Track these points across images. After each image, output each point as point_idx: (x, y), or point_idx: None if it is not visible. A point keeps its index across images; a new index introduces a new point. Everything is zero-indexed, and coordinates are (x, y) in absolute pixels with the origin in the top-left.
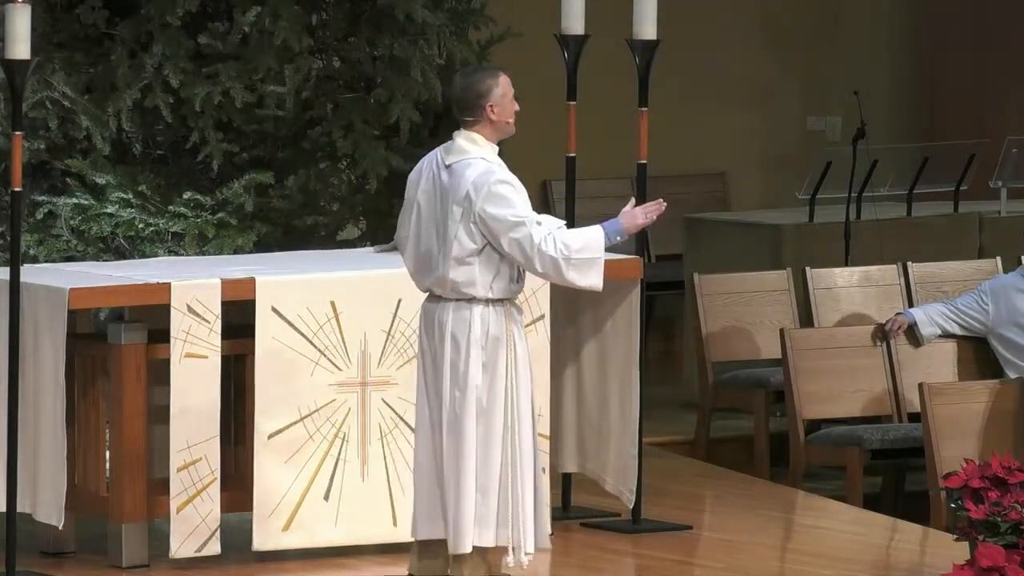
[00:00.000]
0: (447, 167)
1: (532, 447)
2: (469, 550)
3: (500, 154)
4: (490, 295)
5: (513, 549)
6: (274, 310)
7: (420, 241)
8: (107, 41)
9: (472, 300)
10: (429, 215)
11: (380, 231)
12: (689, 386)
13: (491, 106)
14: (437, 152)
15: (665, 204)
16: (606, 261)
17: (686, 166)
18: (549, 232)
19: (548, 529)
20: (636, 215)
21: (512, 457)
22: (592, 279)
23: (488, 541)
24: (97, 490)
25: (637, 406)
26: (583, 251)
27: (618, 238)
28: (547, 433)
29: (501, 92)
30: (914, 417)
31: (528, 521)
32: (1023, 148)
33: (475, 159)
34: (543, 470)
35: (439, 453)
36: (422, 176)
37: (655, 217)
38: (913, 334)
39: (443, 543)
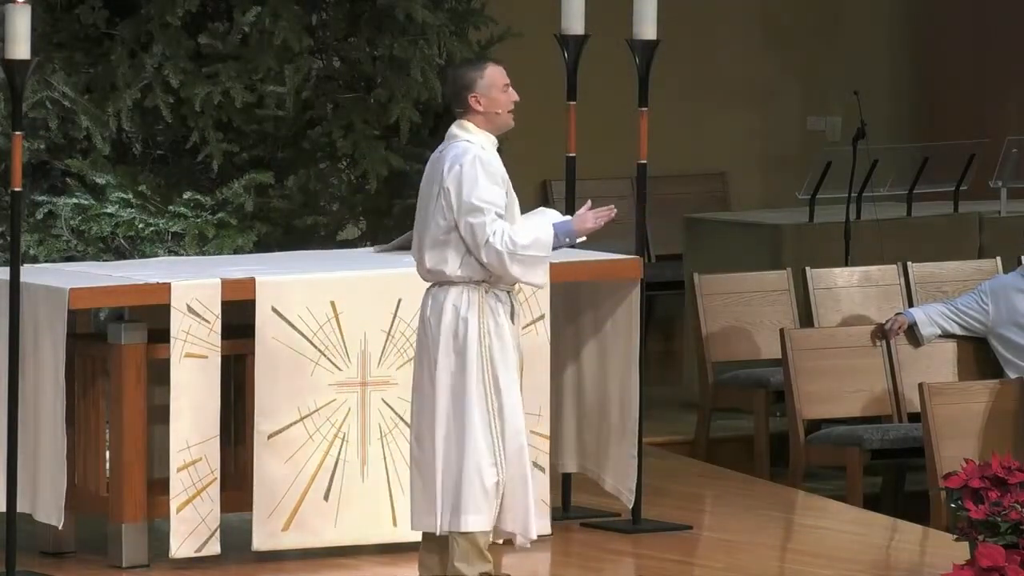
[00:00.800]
0: (440, 153)
1: (517, 434)
2: (436, 532)
3: (500, 152)
4: (460, 274)
5: (515, 536)
6: (274, 310)
7: (417, 230)
8: (107, 41)
9: (447, 284)
10: (422, 203)
11: (380, 231)
12: (689, 386)
13: (475, 96)
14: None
15: (615, 211)
16: (605, 261)
17: (686, 166)
18: (502, 227)
19: (534, 522)
20: (587, 218)
21: (493, 444)
22: (536, 277)
23: (464, 526)
24: (97, 490)
25: (637, 406)
26: (530, 248)
27: (567, 240)
28: (547, 433)
29: (487, 83)
30: (914, 417)
31: (519, 509)
32: (1023, 148)
33: (459, 142)
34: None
35: (417, 440)
36: (426, 170)
37: (603, 223)
38: (913, 334)
39: (438, 538)
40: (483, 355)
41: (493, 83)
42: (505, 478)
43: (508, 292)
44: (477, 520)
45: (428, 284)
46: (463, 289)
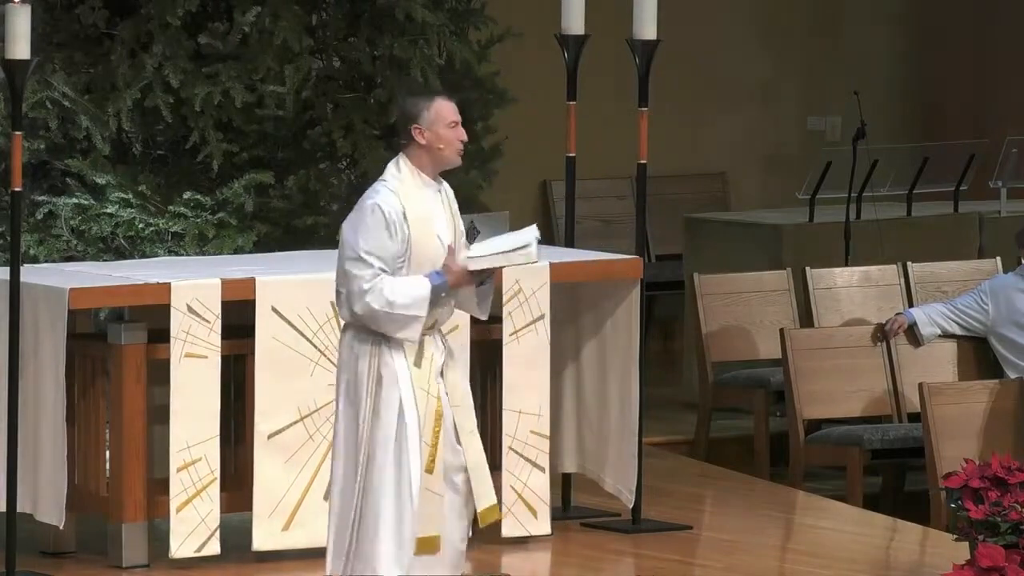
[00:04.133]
0: None
1: (390, 485)
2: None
3: (496, 154)
4: (352, 320)
5: None
6: (274, 310)
7: None
8: (107, 41)
9: (346, 324)
10: None
11: None
12: (689, 386)
13: (419, 129)
14: None
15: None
16: (605, 261)
17: (686, 166)
18: (381, 283)
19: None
20: (453, 269)
21: (354, 492)
22: (410, 334)
23: (334, 571)
24: (97, 490)
25: (637, 406)
26: (409, 307)
27: (443, 294)
28: (547, 433)
29: (432, 116)
30: (914, 417)
31: (368, 557)
32: (1023, 148)
33: (380, 180)
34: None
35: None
36: None
37: (467, 270)
38: (913, 334)
39: None
40: (367, 401)
41: (439, 117)
42: (360, 526)
43: (429, 334)
44: (334, 565)
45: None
46: (355, 332)
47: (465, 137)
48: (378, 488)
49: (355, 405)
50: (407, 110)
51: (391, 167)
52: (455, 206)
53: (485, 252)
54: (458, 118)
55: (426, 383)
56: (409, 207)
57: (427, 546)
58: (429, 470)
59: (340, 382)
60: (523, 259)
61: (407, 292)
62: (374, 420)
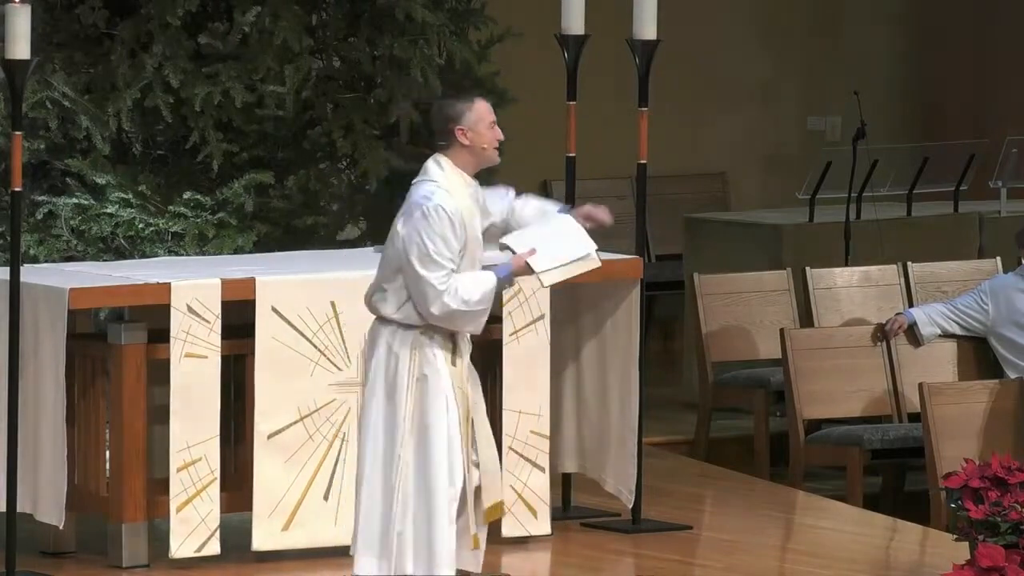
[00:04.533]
0: (413, 186)
1: (424, 483)
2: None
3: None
4: (396, 318)
5: None
6: (274, 310)
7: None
8: (107, 41)
9: (382, 319)
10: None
11: (380, 231)
12: (689, 386)
13: (461, 129)
14: None
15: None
16: (605, 261)
17: (686, 166)
18: (455, 283)
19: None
20: (521, 269)
21: (393, 487)
22: (477, 328)
23: (364, 569)
24: (97, 490)
25: (637, 406)
26: (480, 304)
27: (507, 284)
28: (547, 433)
29: (475, 116)
30: (914, 417)
31: (408, 559)
32: (1023, 148)
33: (428, 181)
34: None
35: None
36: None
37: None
38: (913, 334)
39: None
40: (408, 398)
41: (481, 117)
42: (400, 526)
43: (447, 336)
44: (366, 563)
45: (371, 315)
46: (395, 330)
47: (502, 136)
48: (432, 483)
49: (395, 403)
50: (447, 112)
51: (433, 167)
52: (483, 201)
53: (553, 263)
54: (495, 118)
55: (461, 381)
56: (462, 209)
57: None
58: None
59: (376, 379)
60: (587, 267)
61: (478, 288)
62: (421, 417)
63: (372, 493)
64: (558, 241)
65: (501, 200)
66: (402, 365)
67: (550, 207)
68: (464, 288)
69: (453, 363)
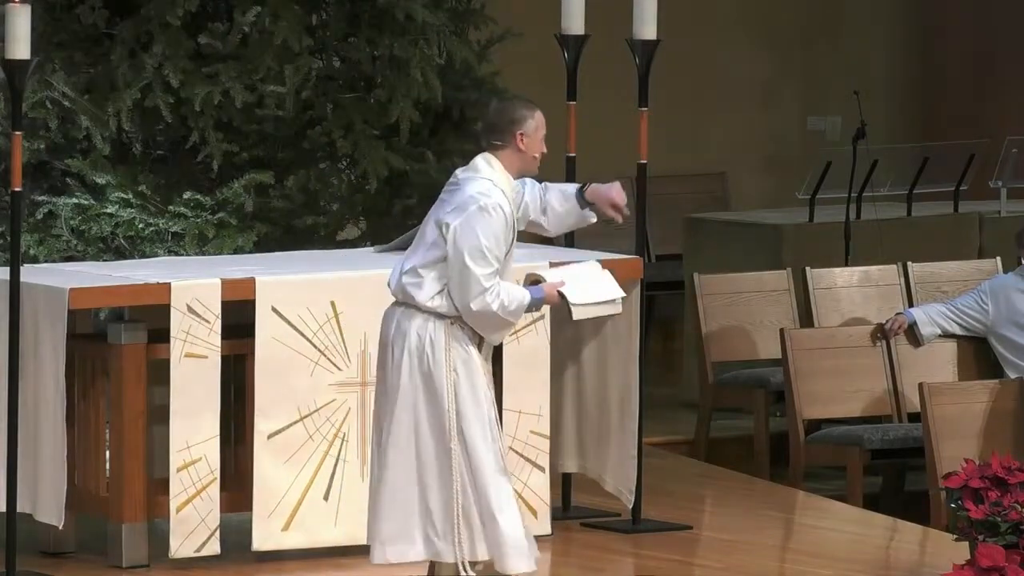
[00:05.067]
0: (457, 179)
1: (472, 464)
2: (375, 561)
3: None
4: (429, 306)
5: (462, 565)
6: (274, 310)
7: (415, 240)
8: (107, 41)
9: (412, 309)
10: (428, 217)
11: (380, 231)
12: (689, 386)
13: (522, 135)
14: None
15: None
16: (606, 261)
17: (686, 166)
18: (500, 285)
19: (518, 556)
20: (553, 297)
21: (449, 473)
22: (499, 336)
23: (409, 556)
24: (97, 490)
25: (637, 406)
26: (513, 315)
27: (534, 308)
28: (547, 433)
29: (536, 124)
30: (914, 417)
31: (466, 540)
32: (1023, 148)
33: (482, 178)
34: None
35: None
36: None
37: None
38: (913, 334)
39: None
40: (449, 388)
41: (540, 126)
42: (457, 508)
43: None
44: (406, 551)
45: (392, 303)
46: (427, 318)
47: (546, 150)
48: (488, 476)
49: (436, 395)
50: (513, 114)
51: (484, 165)
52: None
53: (584, 299)
54: None
55: (489, 371)
56: (509, 215)
57: None
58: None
59: (411, 370)
60: (612, 311)
61: (515, 298)
62: (464, 411)
63: (427, 484)
64: (592, 282)
65: (534, 188)
66: (439, 355)
67: (570, 189)
68: (506, 293)
69: (486, 358)
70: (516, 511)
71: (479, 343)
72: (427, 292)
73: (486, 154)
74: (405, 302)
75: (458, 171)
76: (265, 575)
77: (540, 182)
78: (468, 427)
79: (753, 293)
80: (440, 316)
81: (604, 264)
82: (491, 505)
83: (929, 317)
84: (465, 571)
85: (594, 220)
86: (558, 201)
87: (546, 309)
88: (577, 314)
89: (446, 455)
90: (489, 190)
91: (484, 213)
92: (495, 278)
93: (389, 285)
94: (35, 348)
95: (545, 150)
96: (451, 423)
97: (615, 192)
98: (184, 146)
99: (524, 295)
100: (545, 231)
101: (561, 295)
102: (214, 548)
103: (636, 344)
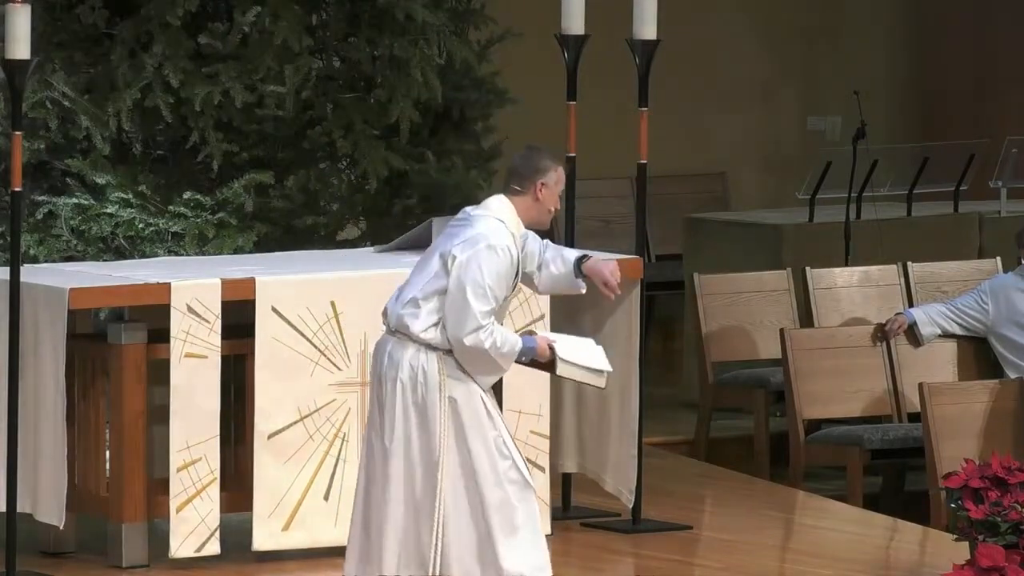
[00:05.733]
0: (468, 216)
1: (478, 501)
2: None
3: (496, 154)
4: (423, 338)
5: None
6: (274, 310)
7: (414, 269)
8: (107, 41)
9: (404, 339)
10: (431, 249)
11: (380, 231)
12: (689, 386)
13: (543, 185)
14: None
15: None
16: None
17: (686, 166)
18: (497, 325)
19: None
20: (544, 350)
21: (425, 503)
22: (488, 380)
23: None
24: (97, 490)
25: (637, 406)
26: (504, 358)
27: (523, 359)
28: (547, 433)
29: (556, 178)
30: (914, 417)
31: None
32: (1023, 148)
33: (495, 218)
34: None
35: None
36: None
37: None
38: (913, 334)
39: None
40: (442, 419)
41: (559, 181)
42: (430, 541)
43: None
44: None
45: (384, 333)
46: (419, 349)
47: (559, 207)
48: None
49: (429, 429)
50: (538, 163)
51: (498, 207)
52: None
53: (574, 359)
54: None
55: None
56: (515, 262)
57: None
58: None
59: (405, 401)
60: (596, 382)
61: (509, 343)
62: (466, 434)
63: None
64: (584, 350)
65: (535, 243)
66: (432, 385)
67: (570, 255)
68: (501, 335)
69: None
70: (533, 534)
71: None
72: (422, 323)
73: (501, 196)
74: (398, 330)
75: (469, 208)
76: (265, 575)
77: (543, 238)
78: (472, 456)
79: (753, 293)
80: (432, 348)
81: None
82: (494, 534)
83: (929, 317)
84: None
85: (583, 291)
86: (555, 264)
87: (545, 306)
88: (561, 370)
89: (433, 490)
90: (499, 230)
91: (492, 252)
92: (491, 317)
93: (384, 313)
94: (35, 348)
95: (559, 206)
96: (441, 457)
97: (609, 272)
98: (184, 146)
99: (517, 341)
100: (534, 288)
101: (551, 349)
102: (214, 548)
103: (636, 344)
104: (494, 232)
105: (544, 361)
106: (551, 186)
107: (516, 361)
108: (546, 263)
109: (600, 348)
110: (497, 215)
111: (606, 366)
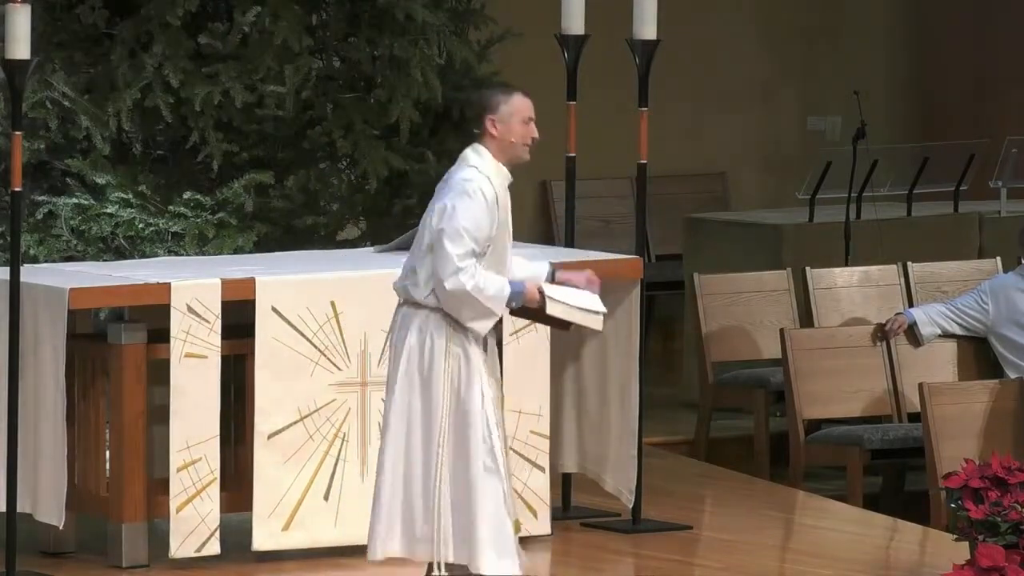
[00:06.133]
0: (448, 172)
1: (482, 470)
2: (371, 558)
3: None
4: (428, 301)
5: (437, 565)
6: (274, 310)
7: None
8: (107, 41)
9: (413, 306)
10: (423, 219)
11: (380, 231)
12: (689, 386)
13: (492, 120)
14: None
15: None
16: (605, 261)
17: (686, 166)
18: (476, 266)
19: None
20: (534, 292)
21: (432, 470)
22: (481, 325)
23: (387, 552)
24: (97, 490)
25: (637, 406)
26: (491, 300)
27: (513, 303)
28: (547, 433)
29: (509, 110)
30: (914, 417)
31: (446, 538)
32: (1023, 148)
33: (468, 166)
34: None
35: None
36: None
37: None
38: (913, 334)
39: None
40: (446, 386)
41: (515, 111)
42: (439, 507)
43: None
44: (385, 546)
45: (398, 302)
46: (428, 315)
47: (536, 135)
48: (475, 474)
49: (431, 391)
50: (483, 100)
51: (471, 155)
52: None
53: (565, 299)
54: (533, 115)
55: (492, 369)
56: (498, 196)
57: (517, 528)
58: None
59: (410, 366)
60: (591, 323)
61: (494, 285)
62: (458, 408)
63: (412, 481)
64: (578, 295)
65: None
66: (437, 350)
67: (541, 270)
68: (484, 277)
69: (486, 349)
70: (501, 513)
71: (484, 342)
72: (423, 290)
73: (475, 144)
74: (407, 301)
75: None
76: (265, 575)
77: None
78: (464, 425)
79: (753, 293)
80: (440, 311)
81: (604, 264)
82: (473, 504)
83: (929, 317)
84: (439, 571)
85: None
86: (519, 268)
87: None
88: (551, 308)
89: (433, 455)
90: (471, 176)
91: (464, 196)
92: (471, 259)
93: (394, 286)
94: (35, 348)
95: (533, 135)
96: (443, 423)
97: (582, 278)
98: (184, 146)
99: (505, 284)
100: None
101: (541, 293)
102: (214, 548)
103: (636, 344)
104: (466, 178)
105: (535, 308)
106: (504, 119)
107: (513, 312)
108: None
109: (596, 296)
110: (471, 162)
111: (600, 307)
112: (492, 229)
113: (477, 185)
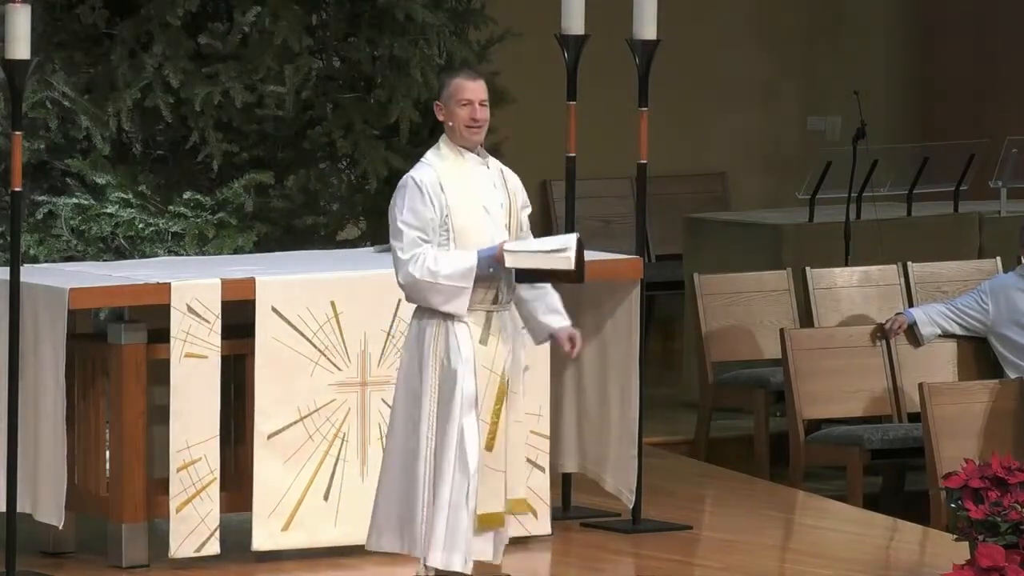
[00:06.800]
0: None
1: (451, 464)
2: (369, 548)
3: (496, 154)
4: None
5: (423, 561)
6: (274, 310)
7: None
8: (107, 41)
9: (416, 307)
10: None
11: (380, 231)
12: (689, 386)
13: (439, 105)
14: None
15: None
16: (605, 261)
17: (686, 166)
18: (424, 253)
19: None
20: (501, 252)
21: (418, 472)
22: (455, 306)
23: (382, 547)
24: (97, 490)
25: (637, 406)
26: (450, 279)
27: (490, 268)
28: (547, 433)
29: (448, 93)
30: (914, 417)
31: (420, 533)
32: (1023, 148)
33: (422, 160)
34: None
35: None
36: None
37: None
38: (913, 334)
39: None
40: (432, 380)
41: (452, 94)
42: (418, 497)
43: (487, 312)
44: (381, 541)
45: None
46: (422, 311)
47: (477, 116)
48: (443, 469)
49: (416, 387)
50: (439, 84)
51: (432, 147)
52: (513, 185)
53: (524, 248)
54: (475, 96)
55: (490, 362)
56: (446, 179)
57: (491, 522)
58: (488, 447)
59: (409, 361)
60: (558, 264)
61: (451, 263)
62: (439, 400)
63: (396, 476)
64: (540, 240)
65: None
66: (427, 345)
67: (554, 319)
68: (432, 259)
69: (484, 342)
70: (461, 509)
71: (484, 329)
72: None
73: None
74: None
75: None
76: (265, 575)
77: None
78: (445, 420)
79: (753, 293)
80: (425, 309)
81: (604, 264)
82: (437, 499)
83: (929, 317)
84: (425, 569)
85: (536, 342)
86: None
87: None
88: (510, 261)
89: (416, 450)
90: (416, 168)
91: (399, 190)
92: (416, 248)
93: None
94: (35, 348)
95: (475, 117)
96: (430, 416)
97: (568, 337)
98: (184, 146)
99: (465, 259)
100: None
101: (502, 249)
102: (214, 548)
103: (636, 344)
104: (411, 172)
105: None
106: (446, 101)
107: (485, 271)
108: (536, 298)
109: (565, 236)
110: (426, 155)
111: (563, 244)
112: (436, 211)
113: (410, 176)
